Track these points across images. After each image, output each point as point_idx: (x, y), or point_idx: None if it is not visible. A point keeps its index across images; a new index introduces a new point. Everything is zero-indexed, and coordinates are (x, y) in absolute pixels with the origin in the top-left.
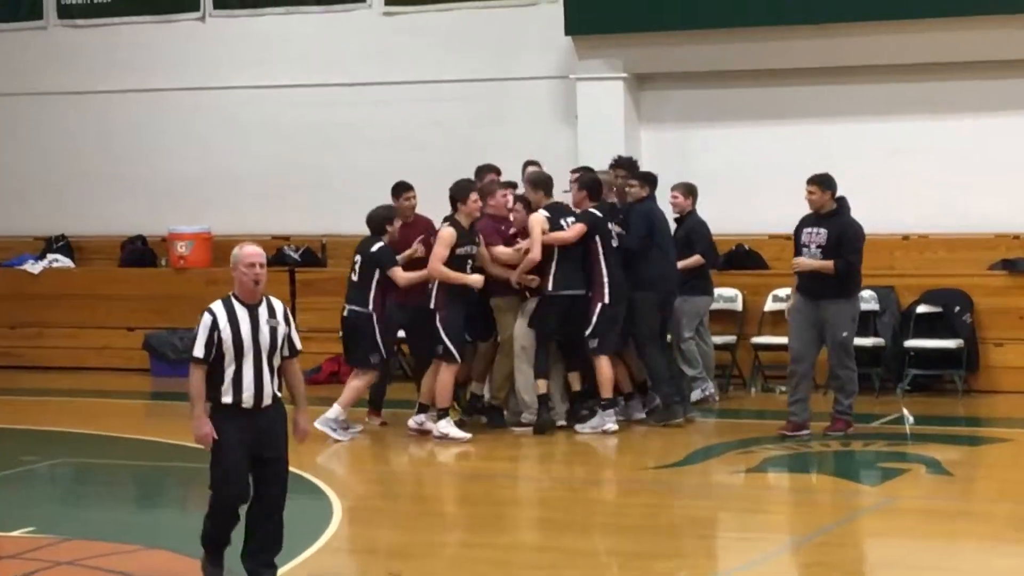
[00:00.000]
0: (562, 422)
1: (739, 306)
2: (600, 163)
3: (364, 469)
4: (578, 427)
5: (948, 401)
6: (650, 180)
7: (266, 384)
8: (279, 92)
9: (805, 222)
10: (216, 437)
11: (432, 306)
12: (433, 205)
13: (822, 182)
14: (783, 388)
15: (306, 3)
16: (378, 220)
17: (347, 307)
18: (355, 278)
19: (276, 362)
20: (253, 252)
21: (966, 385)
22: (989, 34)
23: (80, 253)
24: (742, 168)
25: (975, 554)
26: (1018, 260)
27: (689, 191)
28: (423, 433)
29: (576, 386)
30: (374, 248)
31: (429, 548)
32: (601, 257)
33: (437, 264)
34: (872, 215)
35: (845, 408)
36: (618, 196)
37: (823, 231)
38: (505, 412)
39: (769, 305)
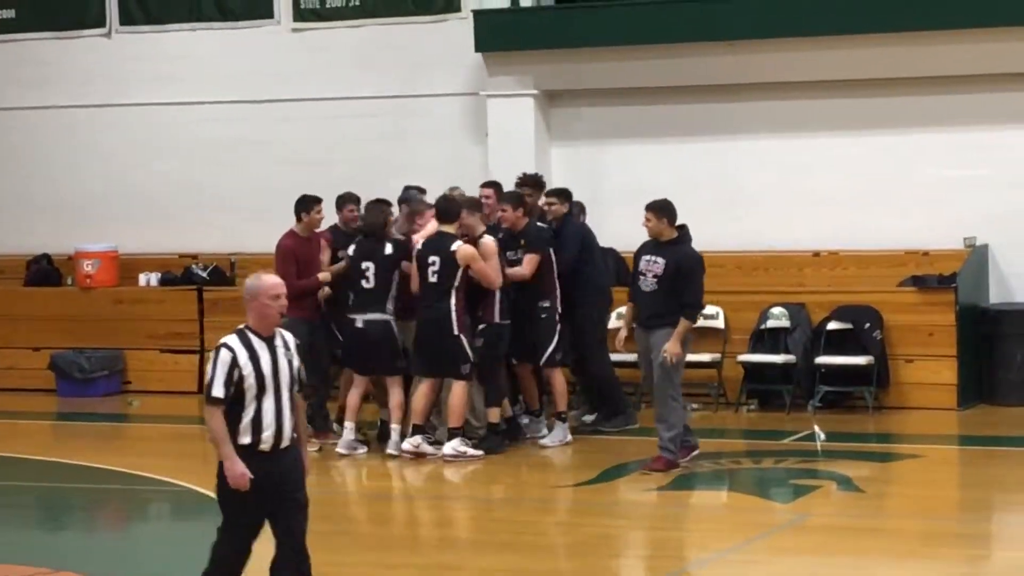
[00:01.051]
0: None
1: None
2: (511, 180)
3: None
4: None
5: (859, 418)
6: (568, 195)
7: (286, 423)
8: (186, 109)
9: (644, 249)
10: (251, 477)
11: (455, 331)
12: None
13: (658, 209)
14: (695, 406)
15: (213, 19)
16: (376, 228)
17: (360, 317)
18: (369, 285)
19: (294, 397)
20: (277, 282)
21: (876, 402)
22: (896, 51)
23: None
24: (652, 185)
25: (886, 570)
26: (927, 277)
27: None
28: (419, 456)
29: (508, 412)
30: (387, 251)
31: (340, 569)
32: (555, 270)
33: (499, 276)
34: (783, 232)
35: (666, 443)
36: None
37: (660, 260)
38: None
39: None
